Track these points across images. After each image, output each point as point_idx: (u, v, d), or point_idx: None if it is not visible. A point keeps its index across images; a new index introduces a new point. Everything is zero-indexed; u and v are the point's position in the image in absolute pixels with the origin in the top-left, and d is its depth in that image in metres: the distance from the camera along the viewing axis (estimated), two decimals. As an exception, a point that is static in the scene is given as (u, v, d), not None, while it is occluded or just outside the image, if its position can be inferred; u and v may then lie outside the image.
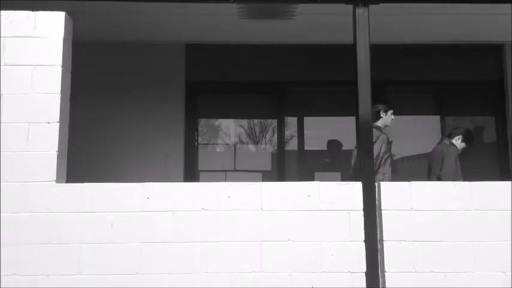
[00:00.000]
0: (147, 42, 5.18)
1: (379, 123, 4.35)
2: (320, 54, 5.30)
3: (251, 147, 5.62)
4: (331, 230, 2.60)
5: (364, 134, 2.79)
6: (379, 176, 4.07)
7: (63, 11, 2.76)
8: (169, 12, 4.42)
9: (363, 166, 2.74)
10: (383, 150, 4.14)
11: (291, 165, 5.42)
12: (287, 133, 5.49)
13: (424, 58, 5.38)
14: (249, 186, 2.63)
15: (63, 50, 2.70)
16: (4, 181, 2.56)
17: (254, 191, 2.62)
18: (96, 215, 2.57)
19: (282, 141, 5.43)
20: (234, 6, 4.26)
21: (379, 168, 4.09)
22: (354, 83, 2.86)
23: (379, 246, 2.62)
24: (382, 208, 2.61)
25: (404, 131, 5.34)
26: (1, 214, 2.53)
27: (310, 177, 5.26)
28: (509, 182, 2.67)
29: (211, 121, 5.70)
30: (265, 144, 5.59)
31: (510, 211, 2.61)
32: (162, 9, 4.32)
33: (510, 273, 2.54)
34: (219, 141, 5.61)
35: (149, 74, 5.25)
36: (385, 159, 4.16)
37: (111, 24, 4.69)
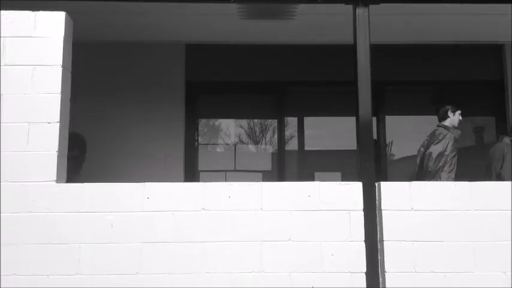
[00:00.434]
0: (147, 42, 5.18)
1: (447, 122, 4.43)
2: (320, 54, 5.30)
3: (251, 147, 5.62)
4: (331, 230, 2.60)
5: (364, 134, 2.79)
6: (443, 175, 4.09)
7: (63, 11, 2.76)
8: (169, 12, 4.42)
9: (363, 166, 2.74)
10: (449, 148, 4.17)
11: (291, 165, 5.42)
12: (287, 133, 5.49)
13: (424, 58, 5.38)
14: (249, 186, 2.63)
15: (63, 50, 2.70)
16: (4, 181, 2.56)
17: (254, 191, 2.62)
18: (96, 215, 2.57)
19: (282, 141, 5.43)
20: (234, 6, 4.26)
21: (444, 166, 4.10)
22: (354, 83, 2.86)
23: (379, 246, 2.62)
24: (382, 208, 2.61)
25: (404, 131, 5.35)
26: (1, 214, 2.53)
27: (310, 177, 5.26)
28: (509, 182, 2.67)
29: (212, 121, 5.70)
30: (266, 144, 5.59)
31: (510, 211, 2.61)
32: (162, 9, 4.32)
33: (510, 273, 2.54)
34: (219, 141, 5.61)
35: (149, 74, 5.25)
36: (451, 158, 4.17)
37: (111, 24, 4.69)
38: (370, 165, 2.75)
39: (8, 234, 2.52)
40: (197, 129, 5.53)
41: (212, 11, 4.35)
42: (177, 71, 5.32)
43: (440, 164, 4.09)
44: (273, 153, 5.51)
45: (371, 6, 2.88)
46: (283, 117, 5.47)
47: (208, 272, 2.54)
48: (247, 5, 4.25)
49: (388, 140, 5.38)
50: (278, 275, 2.55)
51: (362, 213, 2.63)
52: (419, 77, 5.43)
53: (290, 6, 4.27)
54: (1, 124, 2.61)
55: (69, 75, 2.81)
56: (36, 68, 2.67)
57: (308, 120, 5.54)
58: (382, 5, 2.92)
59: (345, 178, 5.06)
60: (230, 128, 5.62)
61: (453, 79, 5.44)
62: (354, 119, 2.87)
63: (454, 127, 4.45)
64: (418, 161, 4.49)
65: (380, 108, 5.30)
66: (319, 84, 5.47)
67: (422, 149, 4.43)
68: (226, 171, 5.43)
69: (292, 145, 5.48)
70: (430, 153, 4.19)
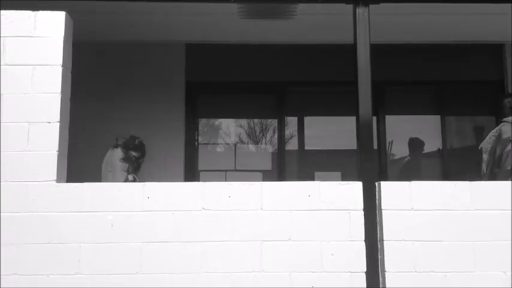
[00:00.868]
0: (147, 42, 5.18)
1: None
2: (320, 54, 5.30)
3: (251, 147, 5.62)
4: (331, 229, 2.60)
5: (364, 134, 2.79)
6: (502, 171, 3.95)
7: (63, 11, 2.76)
8: (169, 12, 4.42)
9: (363, 166, 2.74)
10: None
11: (291, 165, 5.42)
12: (287, 133, 5.49)
13: (424, 58, 5.37)
14: (249, 186, 2.63)
15: (63, 49, 2.71)
16: (4, 181, 2.56)
17: (254, 190, 2.63)
18: (96, 215, 2.57)
19: (282, 141, 5.43)
20: (234, 6, 4.26)
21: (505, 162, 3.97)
22: (354, 83, 2.86)
23: (379, 246, 2.62)
24: (382, 208, 2.61)
25: (404, 131, 5.35)
26: (1, 214, 2.53)
27: (310, 177, 5.26)
28: (509, 182, 2.67)
29: (212, 121, 5.70)
30: (266, 144, 5.59)
31: (510, 211, 2.61)
32: (162, 9, 4.32)
33: (510, 273, 2.54)
34: (219, 141, 5.61)
35: (149, 74, 5.25)
36: None
37: (111, 24, 4.69)
38: (370, 165, 2.75)
39: (8, 234, 2.52)
40: (197, 129, 5.53)
41: (212, 11, 4.34)
42: (177, 71, 5.32)
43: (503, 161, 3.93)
44: (273, 153, 5.51)
45: (371, 6, 2.88)
46: (283, 117, 5.47)
47: (208, 272, 2.54)
48: (247, 4, 4.25)
49: (388, 140, 5.38)
50: (278, 274, 2.55)
51: (362, 212, 2.63)
52: (419, 77, 5.42)
53: (290, 6, 4.27)
54: (1, 124, 2.61)
55: (69, 75, 2.81)
56: (36, 68, 2.67)
57: (308, 120, 5.53)
58: (382, 4, 2.93)
59: (345, 178, 5.06)
60: (230, 128, 5.62)
61: (453, 79, 5.44)
62: (354, 118, 2.87)
63: None
64: (487, 159, 4.11)
65: (380, 108, 5.30)
66: (319, 84, 5.46)
67: (495, 147, 4.07)
68: (226, 171, 5.43)
69: (292, 145, 5.48)
70: None
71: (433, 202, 2.62)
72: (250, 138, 5.59)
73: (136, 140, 4.20)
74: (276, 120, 5.50)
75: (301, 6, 4.26)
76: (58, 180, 2.60)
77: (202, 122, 5.65)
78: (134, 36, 4.99)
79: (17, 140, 2.60)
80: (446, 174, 5.30)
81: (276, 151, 5.45)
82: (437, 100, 5.55)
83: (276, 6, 4.33)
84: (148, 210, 2.59)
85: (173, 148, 5.19)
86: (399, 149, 5.41)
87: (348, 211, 2.62)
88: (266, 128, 5.60)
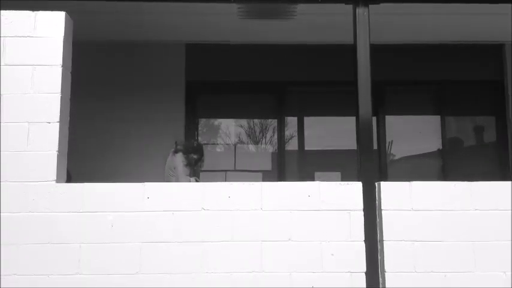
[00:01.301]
0: (147, 42, 5.18)
1: None
2: (320, 54, 5.30)
3: (251, 147, 5.62)
4: (331, 230, 2.60)
5: (364, 134, 2.79)
6: None
7: (63, 11, 2.76)
8: (170, 12, 4.42)
9: (363, 166, 2.74)
10: None
11: (291, 165, 5.42)
12: (287, 133, 5.49)
13: (424, 58, 5.37)
14: (249, 186, 2.63)
15: (63, 50, 2.71)
16: (4, 181, 2.56)
17: (254, 191, 2.62)
18: (96, 215, 2.57)
19: (282, 141, 5.43)
20: (234, 6, 4.26)
21: None
22: (354, 83, 2.86)
23: (379, 246, 2.62)
24: (382, 208, 2.61)
25: (404, 131, 5.35)
26: (1, 214, 2.53)
27: (310, 177, 5.25)
28: (509, 182, 2.67)
29: (211, 121, 5.70)
30: (266, 144, 5.59)
31: (510, 211, 2.61)
32: (162, 9, 4.32)
33: (510, 273, 2.54)
34: (219, 141, 5.61)
35: (149, 74, 5.25)
36: None
37: (111, 24, 4.69)
38: (370, 165, 2.75)
39: (8, 234, 2.52)
40: (197, 129, 5.53)
41: (212, 11, 4.34)
42: (177, 71, 5.31)
43: None
44: (273, 153, 5.51)
45: (371, 6, 2.88)
46: (283, 117, 5.47)
47: (208, 272, 2.54)
48: (247, 4, 4.25)
49: (388, 140, 5.38)
50: (278, 274, 2.55)
51: (362, 213, 2.63)
52: (419, 77, 5.42)
53: (290, 6, 4.27)
54: (1, 124, 2.61)
55: (69, 75, 2.81)
56: (36, 68, 2.67)
57: (308, 120, 5.53)
58: (382, 4, 2.93)
59: (344, 178, 5.06)
60: (230, 128, 5.62)
61: (453, 79, 5.44)
62: (353, 119, 2.87)
63: None
64: None
65: (380, 108, 5.30)
66: (319, 84, 5.46)
67: None
68: (226, 171, 5.43)
69: (292, 145, 5.48)
70: None
71: (433, 202, 2.62)
72: (250, 138, 5.59)
73: (195, 142, 4.29)
74: (276, 120, 5.49)
75: (301, 6, 4.26)
76: (58, 180, 2.60)
77: (202, 122, 5.65)
78: (134, 36, 4.99)
79: (17, 140, 2.60)
80: (446, 174, 5.31)
81: (276, 151, 5.45)
82: (437, 100, 5.55)
83: (275, 6, 4.33)
84: (148, 210, 2.59)
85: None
86: (399, 149, 5.41)
87: (348, 211, 2.62)
88: (266, 128, 5.60)
